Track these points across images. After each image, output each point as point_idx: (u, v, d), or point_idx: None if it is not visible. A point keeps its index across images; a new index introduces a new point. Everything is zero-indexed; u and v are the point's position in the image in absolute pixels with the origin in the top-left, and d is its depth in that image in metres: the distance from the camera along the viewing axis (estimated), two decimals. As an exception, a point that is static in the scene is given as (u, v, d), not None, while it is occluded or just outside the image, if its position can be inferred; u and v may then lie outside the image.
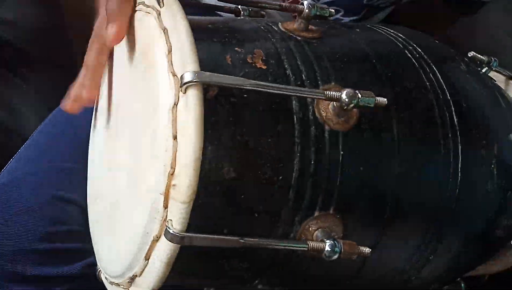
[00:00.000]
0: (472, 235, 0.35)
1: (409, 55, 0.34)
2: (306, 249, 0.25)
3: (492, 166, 0.33)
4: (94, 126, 0.37)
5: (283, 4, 0.30)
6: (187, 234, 0.22)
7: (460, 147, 0.31)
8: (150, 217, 0.23)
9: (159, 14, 0.26)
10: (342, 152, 0.27)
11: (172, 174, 0.22)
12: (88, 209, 0.35)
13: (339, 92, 0.26)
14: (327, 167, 0.27)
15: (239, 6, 0.34)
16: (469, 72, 0.37)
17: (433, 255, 0.33)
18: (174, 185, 0.22)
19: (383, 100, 0.27)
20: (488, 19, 0.87)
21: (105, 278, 0.31)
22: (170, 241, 0.22)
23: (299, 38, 0.30)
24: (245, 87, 0.23)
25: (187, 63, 0.22)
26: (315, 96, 0.25)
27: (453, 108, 0.32)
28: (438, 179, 0.30)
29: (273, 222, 0.26)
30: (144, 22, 0.27)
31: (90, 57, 0.29)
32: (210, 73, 0.22)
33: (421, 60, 0.34)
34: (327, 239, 0.26)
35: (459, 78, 0.34)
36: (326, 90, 0.27)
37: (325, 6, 0.31)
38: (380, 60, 0.31)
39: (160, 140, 0.22)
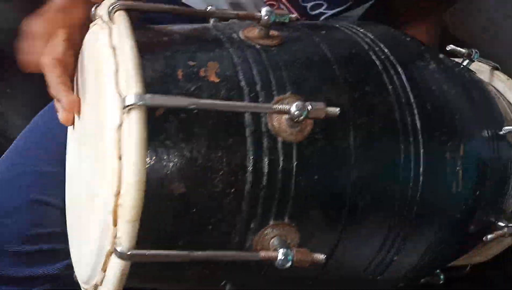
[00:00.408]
0: (440, 234, 0.35)
1: (374, 57, 0.33)
2: (258, 259, 0.26)
3: (458, 167, 0.33)
4: (71, 131, 0.38)
5: (240, 13, 0.29)
6: (135, 251, 0.23)
7: (422, 150, 0.32)
8: (102, 233, 0.24)
9: (111, 31, 0.26)
10: (296, 163, 0.27)
11: (118, 194, 0.22)
12: (66, 212, 0.37)
13: (289, 105, 0.26)
14: (280, 178, 0.27)
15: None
16: (439, 71, 0.36)
17: (398, 256, 0.33)
18: (120, 204, 0.22)
19: (334, 110, 0.27)
20: (487, 2, 0.84)
21: (78, 281, 0.32)
22: (119, 258, 0.23)
23: (258, 46, 0.30)
24: (188, 107, 0.23)
25: (131, 85, 0.23)
26: (263, 111, 0.26)
27: (415, 111, 0.32)
28: (398, 184, 0.31)
29: (228, 233, 0.27)
30: (99, 38, 0.27)
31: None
32: (152, 95, 0.22)
33: (386, 62, 0.33)
34: (281, 248, 0.27)
35: (425, 78, 0.34)
36: (279, 101, 0.27)
37: (284, 12, 0.30)
38: (341, 64, 0.31)
39: (107, 159, 0.23)
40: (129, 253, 0.23)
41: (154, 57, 0.26)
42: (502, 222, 0.42)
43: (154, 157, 0.24)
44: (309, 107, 0.26)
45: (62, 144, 0.38)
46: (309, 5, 0.57)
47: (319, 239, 0.29)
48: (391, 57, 0.34)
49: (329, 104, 0.29)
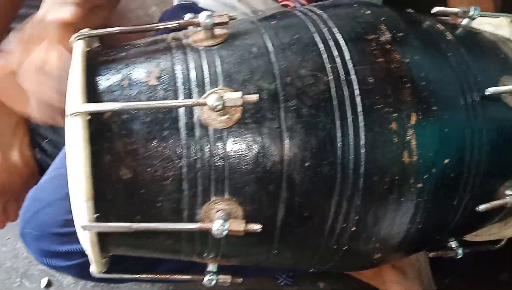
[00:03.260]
0: (411, 205, 0.35)
1: (317, 39, 0.35)
2: (196, 229, 0.31)
3: (408, 136, 0.33)
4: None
5: (181, 22, 0.34)
6: (91, 224, 0.30)
7: (362, 124, 0.32)
8: (75, 209, 0.32)
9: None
10: (226, 146, 0.32)
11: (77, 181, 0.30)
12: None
13: (207, 98, 0.30)
14: (214, 161, 0.32)
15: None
16: (405, 40, 0.36)
17: (356, 227, 0.35)
18: (77, 189, 0.30)
19: (252, 97, 0.30)
20: None
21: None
22: (82, 229, 0.30)
23: (201, 48, 0.35)
24: (115, 109, 0.29)
25: (77, 97, 0.30)
26: (186, 105, 0.30)
27: (356, 86, 0.33)
28: (336, 158, 0.32)
29: (176, 208, 0.32)
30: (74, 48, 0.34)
31: None
32: (88, 104, 0.29)
33: (330, 42, 0.35)
34: (220, 219, 0.31)
35: (373, 52, 0.34)
36: (209, 95, 0.32)
37: (223, 14, 0.34)
38: (278, 52, 0.34)
39: (67, 151, 0.31)
40: (85, 225, 0.30)
41: (109, 72, 0.33)
42: (509, 190, 0.39)
43: (102, 150, 0.31)
44: (225, 97, 0.30)
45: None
46: None
47: (262, 211, 0.33)
48: (338, 35, 0.35)
49: (260, 91, 0.32)
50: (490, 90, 0.36)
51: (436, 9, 0.42)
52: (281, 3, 0.60)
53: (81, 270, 0.50)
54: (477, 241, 0.50)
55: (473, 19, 0.42)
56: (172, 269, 0.49)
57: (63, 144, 0.63)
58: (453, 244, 0.43)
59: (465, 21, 0.42)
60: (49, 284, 0.71)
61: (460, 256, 0.44)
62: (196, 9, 0.64)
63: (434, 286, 0.61)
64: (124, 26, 0.36)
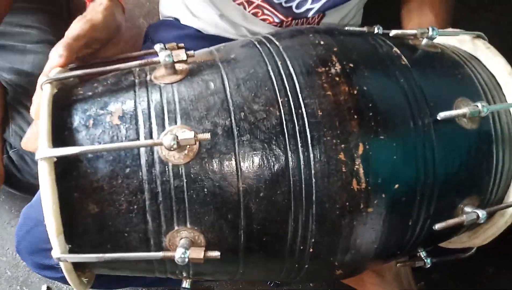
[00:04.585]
0: (367, 227, 0.37)
1: (271, 73, 0.37)
2: (160, 257, 0.34)
3: (356, 166, 0.35)
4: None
5: (141, 62, 0.36)
6: (63, 255, 0.33)
7: (311, 155, 0.34)
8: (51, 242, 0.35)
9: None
10: (185, 180, 0.34)
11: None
12: None
13: (162, 138, 0.32)
14: (174, 194, 0.34)
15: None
16: (355, 69, 0.37)
17: (314, 249, 0.37)
18: (48, 225, 0.33)
19: (204, 136, 0.33)
20: None
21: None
22: (57, 260, 0.33)
23: (162, 85, 0.37)
24: (77, 153, 0.32)
25: (43, 142, 0.32)
26: (143, 146, 0.33)
27: (306, 120, 0.35)
28: (288, 187, 0.34)
29: (143, 238, 0.35)
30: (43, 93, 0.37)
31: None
32: (53, 149, 0.32)
33: (283, 76, 0.36)
34: (182, 248, 0.34)
35: (321, 84, 0.36)
36: (167, 132, 0.34)
37: (180, 52, 0.36)
38: (234, 89, 0.36)
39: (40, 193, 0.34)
40: (59, 257, 0.33)
41: (76, 113, 0.36)
42: (468, 207, 0.40)
43: (70, 187, 0.33)
44: (179, 137, 0.32)
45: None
46: (294, 4, 0.59)
47: (223, 238, 0.35)
48: (291, 69, 0.37)
49: (215, 127, 0.35)
50: (441, 115, 0.38)
51: (393, 32, 0.43)
52: (260, 18, 0.61)
53: None
54: (448, 248, 0.52)
55: (432, 39, 0.43)
56: (151, 281, 0.52)
57: (27, 155, 0.68)
58: (422, 254, 0.45)
59: (424, 42, 0.43)
60: (48, 290, 0.75)
61: (428, 266, 0.46)
62: (179, 26, 0.65)
63: (414, 287, 0.63)
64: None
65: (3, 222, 0.82)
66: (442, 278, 0.78)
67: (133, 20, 0.79)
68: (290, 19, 0.60)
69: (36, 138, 0.39)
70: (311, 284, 0.77)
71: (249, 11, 0.60)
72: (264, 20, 0.61)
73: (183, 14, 0.67)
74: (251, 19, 0.62)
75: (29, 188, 0.71)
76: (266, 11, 0.60)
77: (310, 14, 0.60)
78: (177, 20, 0.67)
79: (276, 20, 0.60)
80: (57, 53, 0.39)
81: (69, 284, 0.62)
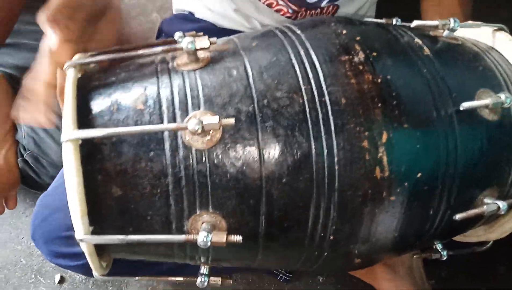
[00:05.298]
0: (387, 215, 0.37)
1: (295, 61, 0.37)
2: (183, 240, 0.34)
3: (380, 154, 0.35)
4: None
5: (164, 48, 0.37)
6: (86, 237, 0.33)
7: (335, 143, 0.35)
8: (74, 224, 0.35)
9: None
10: (208, 165, 0.34)
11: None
12: None
13: (188, 122, 0.33)
14: (196, 179, 0.34)
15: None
16: (379, 58, 0.37)
17: (334, 237, 0.37)
18: (73, 208, 0.33)
19: (229, 121, 0.33)
20: None
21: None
22: (80, 242, 0.34)
23: (185, 72, 0.37)
24: (102, 136, 0.32)
25: (68, 125, 0.33)
26: (169, 129, 0.33)
27: (329, 107, 0.35)
28: (311, 174, 0.34)
29: (165, 221, 0.35)
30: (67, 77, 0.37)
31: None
32: (81, 130, 0.32)
33: (306, 64, 0.37)
34: (204, 231, 0.34)
35: (345, 73, 0.36)
36: (191, 118, 0.34)
37: (202, 39, 0.36)
38: (257, 75, 0.36)
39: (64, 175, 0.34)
40: (81, 238, 0.33)
41: (100, 97, 0.36)
42: (488, 198, 0.40)
43: (94, 170, 0.34)
44: (204, 121, 0.32)
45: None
46: None
47: (244, 223, 0.36)
48: (314, 57, 0.37)
49: (238, 113, 0.35)
50: (464, 105, 0.37)
51: (415, 23, 0.43)
52: (274, 9, 0.61)
53: (88, 269, 0.54)
54: (463, 242, 0.52)
55: (454, 31, 0.43)
56: (167, 269, 0.53)
57: (43, 158, 0.69)
58: (438, 246, 0.45)
59: (446, 33, 0.43)
60: (62, 280, 0.76)
61: (444, 258, 0.46)
62: (193, 20, 0.66)
63: (426, 282, 0.63)
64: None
65: (18, 212, 0.82)
66: (452, 276, 0.78)
67: (146, 14, 0.79)
68: (303, 9, 0.60)
69: (33, 110, 0.39)
70: (320, 280, 0.77)
71: (263, 2, 0.60)
72: (278, 11, 0.61)
73: (197, 8, 0.67)
74: (264, 11, 0.62)
75: (47, 188, 0.72)
76: (280, 1, 0.60)
77: (323, 3, 0.60)
78: (191, 13, 0.67)
79: (290, 11, 0.60)
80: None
81: (82, 274, 0.63)
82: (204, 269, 0.42)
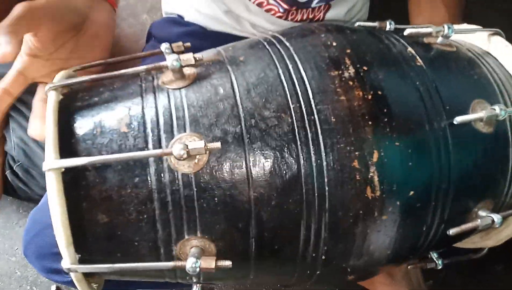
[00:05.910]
0: (379, 233, 0.37)
1: (282, 77, 0.36)
2: (171, 267, 0.33)
3: (371, 174, 0.34)
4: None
5: (148, 66, 0.35)
6: (73, 266, 0.32)
7: (325, 164, 0.34)
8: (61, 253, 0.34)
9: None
10: (195, 189, 0.33)
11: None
12: None
13: (172, 147, 0.32)
14: (183, 203, 0.33)
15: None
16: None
17: (326, 256, 0.36)
18: (57, 235, 0.32)
19: (215, 145, 0.32)
20: None
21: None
22: (67, 271, 0.33)
23: (170, 90, 0.36)
24: (85, 164, 0.31)
25: (49, 153, 0.32)
26: (153, 156, 0.32)
27: (318, 126, 0.34)
28: (300, 195, 0.34)
29: (153, 246, 0.35)
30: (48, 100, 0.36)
31: None
32: (62, 159, 0.31)
33: (295, 80, 0.35)
34: (193, 257, 0.33)
35: (333, 89, 0.35)
36: (176, 141, 0.33)
37: (188, 55, 0.35)
38: (244, 94, 0.35)
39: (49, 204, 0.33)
40: (69, 267, 0.32)
41: (83, 120, 0.35)
42: (482, 211, 0.40)
43: (79, 197, 0.33)
44: (190, 146, 0.32)
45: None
46: None
47: (234, 246, 0.35)
48: (302, 71, 0.36)
49: (225, 135, 0.34)
50: (458, 120, 0.36)
51: (408, 31, 0.42)
52: (265, 8, 0.60)
53: None
54: (459, 248, 0.52)
55: (448, 37, 0.42)
56: (162, 283, 0.52)
57: (33, 169, 0.67)
58: (434, 255, 0.44)
59: (440, 40, 0.42)
60: (57, 290, 0.75)
61: (440, 267, 0.45)
62: (182, 23, 0.64)
63: (423, 285, 0.63)
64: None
65: (12, 223, 0.82)
66: (450, 275, 0.78)
67: (136, 16, 0.77)
68: (294, 8, 0.59)
69: (41, 127, 0.39)
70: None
71: (253, 2, 0.59)
72: (269, 11, 0.60)
73: (187, 11, 0.65)
74: (255, 11, 0.60)
75: (39, 199, 0.71)
76: (271, 0, 0.58)
77: (314, 4, 0.58)
78: (180, 17, 0.65)
79: (281, 10, 0.59)
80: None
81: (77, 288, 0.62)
82: (196, 288, 0.41)
